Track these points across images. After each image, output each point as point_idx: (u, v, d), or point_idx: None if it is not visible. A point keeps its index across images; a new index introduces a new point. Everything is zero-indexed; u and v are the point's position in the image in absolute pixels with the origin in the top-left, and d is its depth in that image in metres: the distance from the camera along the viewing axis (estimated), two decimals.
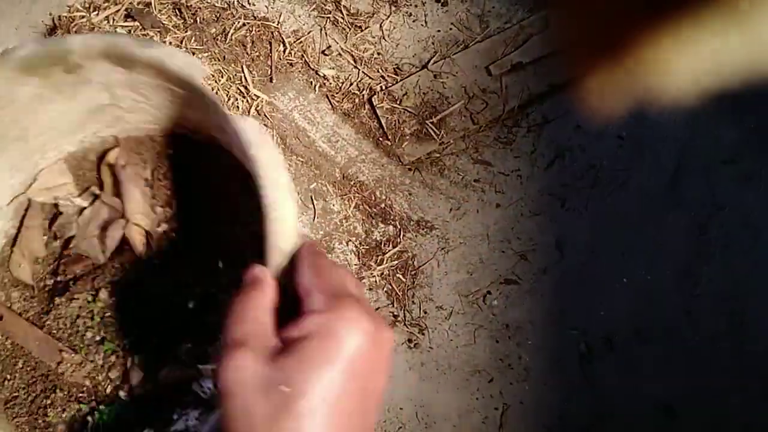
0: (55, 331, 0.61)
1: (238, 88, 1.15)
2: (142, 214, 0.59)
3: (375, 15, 1.27)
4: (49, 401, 0.59)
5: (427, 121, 1.18)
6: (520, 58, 1.19)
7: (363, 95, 1.21)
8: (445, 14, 1.26)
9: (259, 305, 0.39)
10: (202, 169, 0.63)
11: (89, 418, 0.59)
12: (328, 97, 1.21)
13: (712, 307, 1.13)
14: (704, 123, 1.20)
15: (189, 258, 0.62)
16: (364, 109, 1.20)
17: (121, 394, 0.59)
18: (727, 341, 1.11)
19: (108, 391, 0.60)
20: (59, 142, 0.59)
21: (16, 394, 0.60)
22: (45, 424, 0.59)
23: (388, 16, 1.27)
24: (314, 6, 1.26)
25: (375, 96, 1.20)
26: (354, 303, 0.37)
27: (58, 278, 0.62)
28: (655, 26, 0.18)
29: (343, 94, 1.21)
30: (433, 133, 1.17)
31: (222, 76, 1.14)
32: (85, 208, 0.62)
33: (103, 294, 0.60)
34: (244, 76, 1.17)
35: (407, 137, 1.18)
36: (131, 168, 0.59)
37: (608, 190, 1.17)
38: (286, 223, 0.41)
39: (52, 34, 1.13)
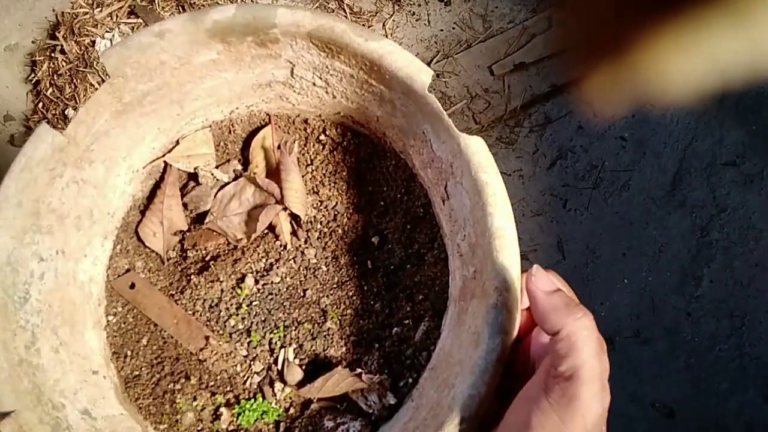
0: (191, 313, 0.54)
1: None
2: (302, 204, 0.54)
3: (378, 14, 1.27)
4: (177, 386, 0.53)
5: None
6: (523, 59, 1.18)
7: None
8: (448, 14, 1.26)
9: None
10: (355, 161, 0.57)
11: (222, 410, 0.52)
12: None
13: (713, 309, 1.12)
14: (706, 124, 1.19)
15: (336, 254, 0.56)
16: None
17: (266, 390, 0.53)
18: (728, 343, 1.11)
19: (247, 384, 0.53)
20: (211, 110, 0.55)
21: (137, 373, 0.53)
22: (172, 411, 0.52)
23: (391, 15, 1.27)
24: (317, 4, 1.26)
25: None
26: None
27: (188, 253, 0.55)
28: (657, 28, 0.18)
29: None
30: None
31: None
32: (225, 183, 0.56)
33: (249, 281, 0.54)
34: None
35: None
36: (293, 153, 0.55)
37: (610, 191, 1.17)
38: (511, 248, 0.44)
39: (56, 31, 1.13)
